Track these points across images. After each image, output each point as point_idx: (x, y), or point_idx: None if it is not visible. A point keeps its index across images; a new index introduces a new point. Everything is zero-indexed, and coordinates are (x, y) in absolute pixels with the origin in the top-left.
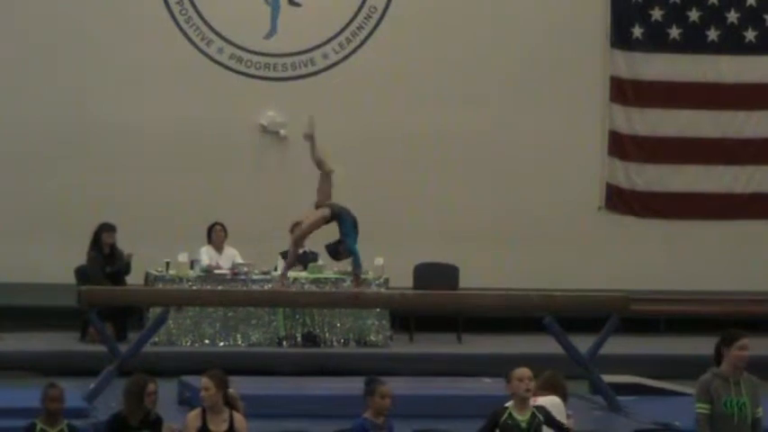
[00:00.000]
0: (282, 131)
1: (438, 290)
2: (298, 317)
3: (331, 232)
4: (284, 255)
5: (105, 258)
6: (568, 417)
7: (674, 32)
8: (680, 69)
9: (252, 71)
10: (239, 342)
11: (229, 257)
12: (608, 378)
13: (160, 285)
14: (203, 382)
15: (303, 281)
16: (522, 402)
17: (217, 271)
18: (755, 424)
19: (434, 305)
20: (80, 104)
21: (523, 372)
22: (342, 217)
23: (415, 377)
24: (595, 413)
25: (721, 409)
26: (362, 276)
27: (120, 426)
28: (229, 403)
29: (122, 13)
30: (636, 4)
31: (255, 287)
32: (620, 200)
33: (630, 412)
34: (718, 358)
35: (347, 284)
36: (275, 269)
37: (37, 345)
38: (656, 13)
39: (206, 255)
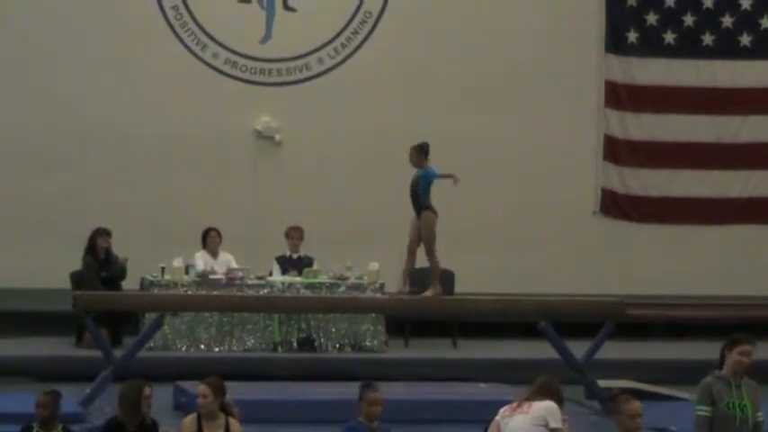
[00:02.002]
0: (277, 136)
1: None
2: (293, 322)
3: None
4: (279, 259)
5: (100, 263)
6: (564, 421)
7: (669, 37)
8: (675, 74)
9: (247, 76)
10: (234, 347)
11: (224, 262)
12: (603, 383)
13: (155, 290)
14: (201, 388)
15: (298, 286)
16: None
17: (212, 276)
18: (757, 428)
19: (430, 310)
20: (75, 109)
21: (636, 408)
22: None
23: (410, 382)
24: (591, 418)
25: (724, 411)
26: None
27: (115, 431)
28: (225, 409)
29: (118, 17)
30: (631, 8)
31: (251, 292)
32: (614, 204)
33: None
34: (721, 360)
35: (342, 290)
36: (270, 274)
37: (32, 350)
38: (651, 18)
39: (201, 260)
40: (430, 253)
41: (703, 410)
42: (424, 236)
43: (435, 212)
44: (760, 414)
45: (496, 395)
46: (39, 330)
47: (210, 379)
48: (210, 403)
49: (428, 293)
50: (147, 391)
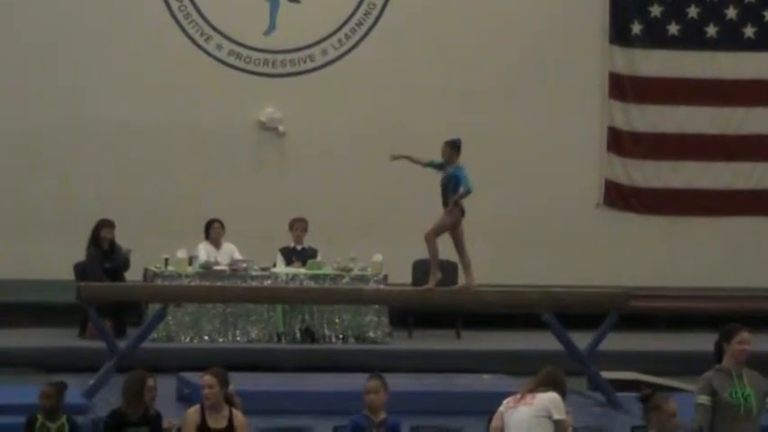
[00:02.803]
0: (281, 127)
1: (437, 286)
2: (297, 313)
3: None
4: (283, 251)
5: (104, 254)
6: (568, 413)
7: (673, 28)
8: (679, 65)
9: (251, 67)
10: (238, 338)
11: (227, 253)
12: (607, 374)
13: (159, 281)
14: (206, 379)
15: (302, 277)
16: None
17: (215, 267)
18: None
19: (433, 302)
20: (79, 101)
21: (675, 407)
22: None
23: (414, 373)
24: (594, 409)
25: (727, 400)
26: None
27: (119, 421)
28: (228, 400)
29: (121, 9)
30: (635, 0)
31: (254, 283)
32: (618, 196)
33: (629, 409)
34: (718, 354)
35: (346, 281)
36: (274, 265)
37: (36, 341)
38: (655, 10)
39: (204, 251)
40: (431, 237)
41: (703, 398)
42: (437, 222)
43: (462, 211)
44: None
45: (500, 386)
46: (42, 321)
47: (215, 369)
48: (216, 394)
49: (430, 284)
50: (150, 382)
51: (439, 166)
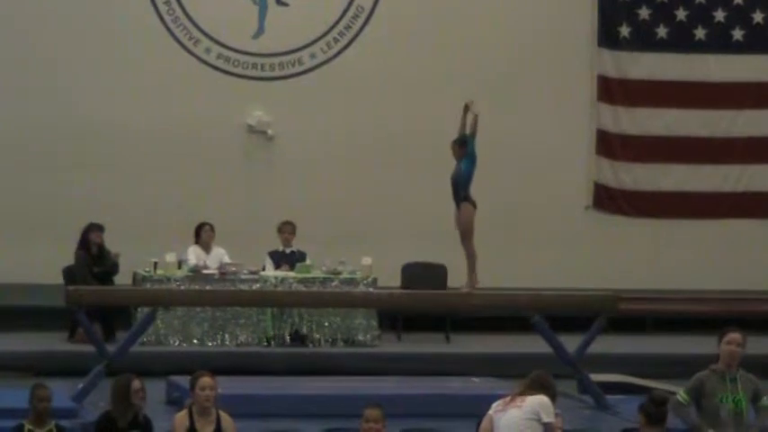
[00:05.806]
0: (270, 131)
1: (426, 289)
2: (286, 317)
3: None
4: (272, 254)
5: (93, 258)
6: (557, 416)
7: (662, 31)
8: (667, 68)
9: (239, 71)
10: (227, 342)
11: (217, 257)
12: (596, 377)
13: (148, 285)
14: (206, 381)
15: (291, 280)
16: None
17: (205, 271)
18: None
19: (422, 304)
20: (67, 105)
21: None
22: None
23: (402, 377)
24: (584, 412)
25: (716, 404)
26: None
27: (108, 426)
28: None
29: (110, 13)
30: (623, 3)
31: (243, 287)
32: (608, 199)
33: (618, 411)
34: (719, 356)
35: (335, 284)
36: (263, 269)
37: (25, 345)
38: (644, 12)
39: (193, 254)
40: (465, 242)
41: (681, 397)
42: (461, 226)
43: (474, 204)
44: (765, 398)
45: (489, 389)
46: (32, 325)
47: (206, 372)
48: (215, 395)
49: (464, 288)
50: (136, 384)
51: (463, 142)
